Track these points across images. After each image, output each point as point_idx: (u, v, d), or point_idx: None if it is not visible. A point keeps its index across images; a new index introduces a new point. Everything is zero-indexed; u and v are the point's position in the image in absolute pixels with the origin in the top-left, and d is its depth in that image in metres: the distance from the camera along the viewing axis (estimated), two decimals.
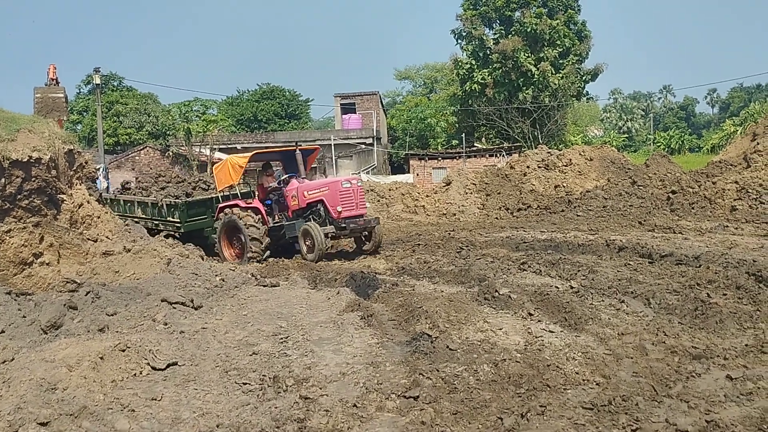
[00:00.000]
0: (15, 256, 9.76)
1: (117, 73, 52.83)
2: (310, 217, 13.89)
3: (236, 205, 14.35)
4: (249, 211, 14.11)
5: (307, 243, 13.42)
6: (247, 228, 13.75)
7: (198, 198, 16.75)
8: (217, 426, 4.76)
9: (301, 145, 15.47)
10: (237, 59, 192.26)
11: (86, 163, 12.41)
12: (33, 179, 10.09)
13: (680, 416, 4.61)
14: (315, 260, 12.83)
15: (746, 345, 6.04)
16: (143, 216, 16.56)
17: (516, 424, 4.64)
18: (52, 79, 22.07)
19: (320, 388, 5.41)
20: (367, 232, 14.16)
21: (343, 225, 13.49)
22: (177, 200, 16.23)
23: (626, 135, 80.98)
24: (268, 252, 13.85)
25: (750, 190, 17.55)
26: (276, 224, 14.27)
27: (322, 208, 13.79)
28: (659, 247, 11.82)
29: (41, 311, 7.36)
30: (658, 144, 67.29)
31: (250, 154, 15.04)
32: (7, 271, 9.69)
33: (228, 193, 15.31)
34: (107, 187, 24.43)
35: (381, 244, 14.15)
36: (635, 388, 5.14)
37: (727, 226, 15.09)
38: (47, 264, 10.07)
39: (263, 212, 14.16)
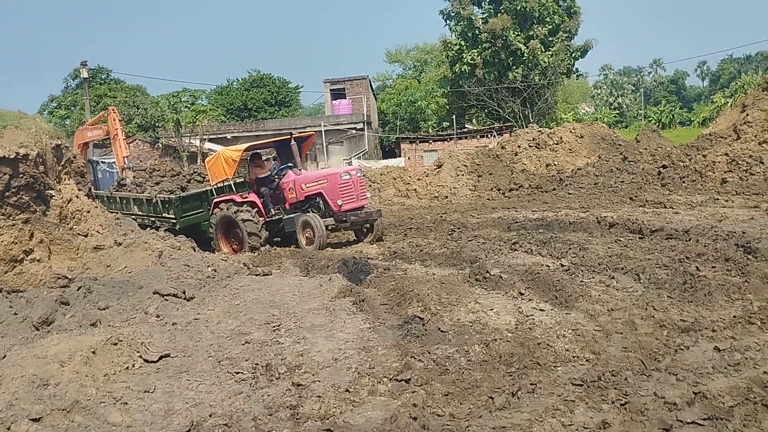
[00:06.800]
0: (5, 254, 9.74)
1: (104, 66, 52.57)
2: (309, 210, 13.59)
3: (231, 200, 14.04)
4: (245, 205, 13.81)
5: (306, 235, 13.15)
6: (244, 223, 13.43)
7: (192, 192, 16.53)
8: (210, 415, 4.78)
9: (294, 134, 15.22)
10: (225, 48, 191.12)
11: (74, 157, 12.36)
12: (21, 176, 10.05)
13: (668, 389, 4.66)
14: (315, 250, 12.49)
15: (734, 316, 6.09)
16: (140, 213, 16.43)
17: (507, 403, 4.68)
18: None
19: (312, 375, 5.44)
20: (368, 224, 13.89)
21: (344, 218, 13.24)
22: (171, 195, 16.10)
23: (617, 111, 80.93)
24: (267, 246, 13.63)
25: (740, 162, 17.61)
26: (274, 217, 13.97)
27: (321, 201, 13.50)
28: (650, 223, 11.86)
29: (33, 308, 7.37)
30: (649, 119, 67.32)
31: (243, 146, 14.68)
32: None
33: (222, 185, 15.04)
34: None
35: (383, 237, 13.75)
36: (624, 363, 5.18)
37: (718, 199, 15.16)
38: (38, 260, 10.05)
39: (260, 206, 13.89)
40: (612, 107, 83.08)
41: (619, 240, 10.45)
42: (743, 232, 9.96)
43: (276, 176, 14.43)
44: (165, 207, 15.89)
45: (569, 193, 19.45)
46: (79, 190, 11.95)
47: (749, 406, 4.24)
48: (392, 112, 47.09)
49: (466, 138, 35.84)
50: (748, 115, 19.37)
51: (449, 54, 39.99)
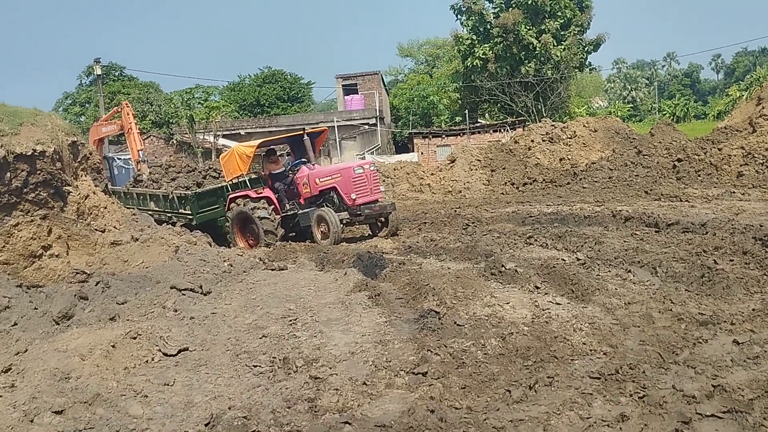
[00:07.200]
0: (24, 249, 9.83)
1: (118, 63, 52.91)
2: (324, 204, 13.63)
3: (247, 196, 14.07)
4: (261, 201, 13.82)
5: (321, 229, 13.17)
6: (261, 220, 13.44)
7: (208, 188, 16.56)
8: (229, 408, 4.82)
9: (307, 130, 15.25)
10: (236, 45, 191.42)
11: (90, 154, 12.43)
12: (38, 172, 10.12)
13: (687, 382, 4.64)
14: (330, 245, 12.51)
15: (753, 309, 6.05)
16: (157, 209, 16.52)
17: (524, 396, 4.69)
18: None
19: (330, 368, 5.47)
20: (383, 218, 13.88)
21: (358, 212, 13.26)
22: (187, 191, 16.19)
23: (631, 105, 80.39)
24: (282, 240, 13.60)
25: (756, 155, 17.45)
26: (289, 212, 13.98)
27: (335, 196, 13.51)
28: (666, 216, 11.79)
29: (52, 302, 7.42)
30: (664, 112, 66.84)
31: (256, 142, 14.69)
32: (18, 264, 9.77)
33: (237, 181, 15.09)
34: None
35: (398, 231, 13.76)
36: (642, 356, 5.17)
37: (734, 192, 15.04)
38: (56, 256, 10.13)
39: (276, 201, 13.89)
40: (626, 101, 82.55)
41: (635, 234, 10.39)
42: (761, 225, 9.88)
43: (290, 171, 14.47)
44: (181, 203, 15.98)
45: (583, 187, 19.36)
46: (96, 186, 12.03)
47: None
48: (405, 107, 47.08)
49: (479, 133, 35.77)
50: (764, 108, 19.16)
51: (461, 48, 39.89)
